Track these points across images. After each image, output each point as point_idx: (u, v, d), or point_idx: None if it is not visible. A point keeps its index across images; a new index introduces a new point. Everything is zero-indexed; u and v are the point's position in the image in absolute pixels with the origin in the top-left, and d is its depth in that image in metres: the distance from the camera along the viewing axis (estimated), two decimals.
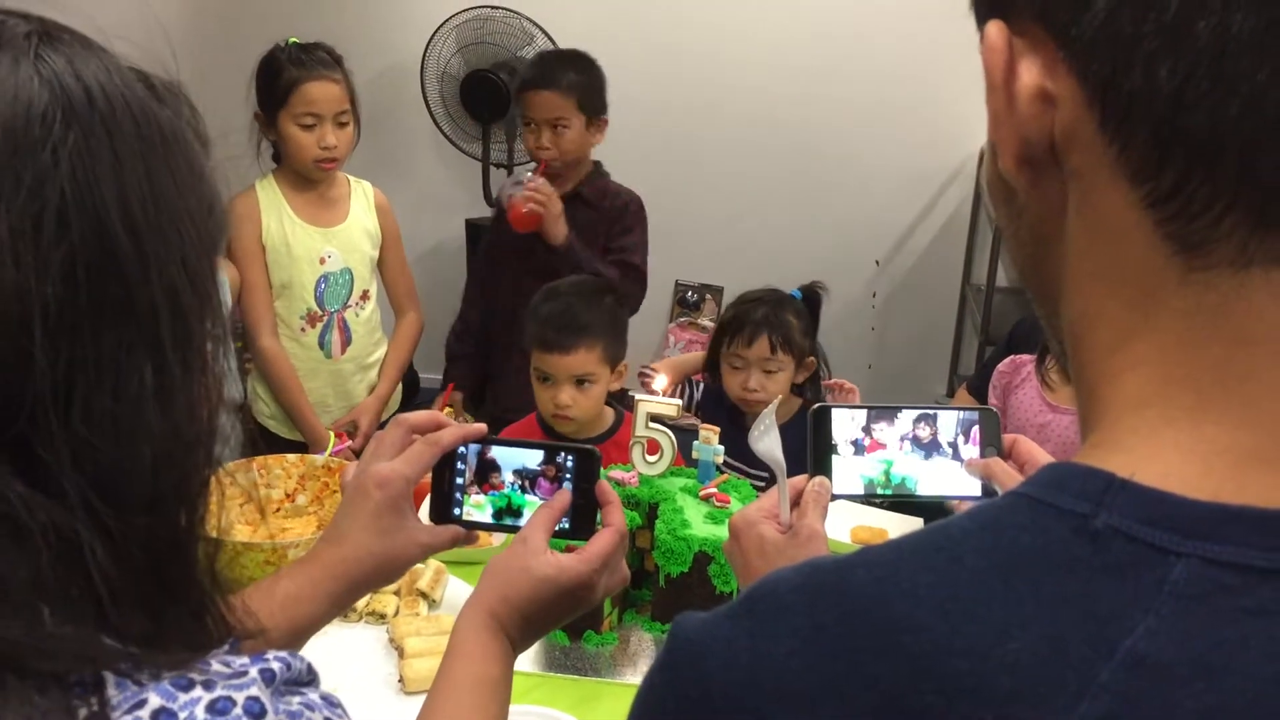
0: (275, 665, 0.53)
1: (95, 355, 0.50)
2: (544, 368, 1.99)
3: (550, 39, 3.35)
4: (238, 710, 0.50)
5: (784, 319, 2.12)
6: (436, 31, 3.41)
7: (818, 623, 0.41)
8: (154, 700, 0.48)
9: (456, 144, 3.56)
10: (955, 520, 0.42)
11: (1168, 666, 0.36)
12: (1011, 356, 2.28)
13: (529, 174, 2.41)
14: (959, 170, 3.56)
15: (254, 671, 0.52)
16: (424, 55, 3.43)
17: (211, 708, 0.49)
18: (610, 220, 2.50)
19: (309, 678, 0.56)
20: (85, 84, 0.52)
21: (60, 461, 0.49)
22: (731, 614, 0.44)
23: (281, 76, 2.14)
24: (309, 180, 2.26)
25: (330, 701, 0.55)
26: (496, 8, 3.36)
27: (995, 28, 0.43)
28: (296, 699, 0.53)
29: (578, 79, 2.45)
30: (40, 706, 0.46)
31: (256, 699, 0.51)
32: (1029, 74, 0.42)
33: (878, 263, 3.62)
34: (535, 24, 3.36)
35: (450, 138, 3.55)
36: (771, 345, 2.09)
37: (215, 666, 0.52)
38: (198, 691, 0.50)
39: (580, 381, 1.97)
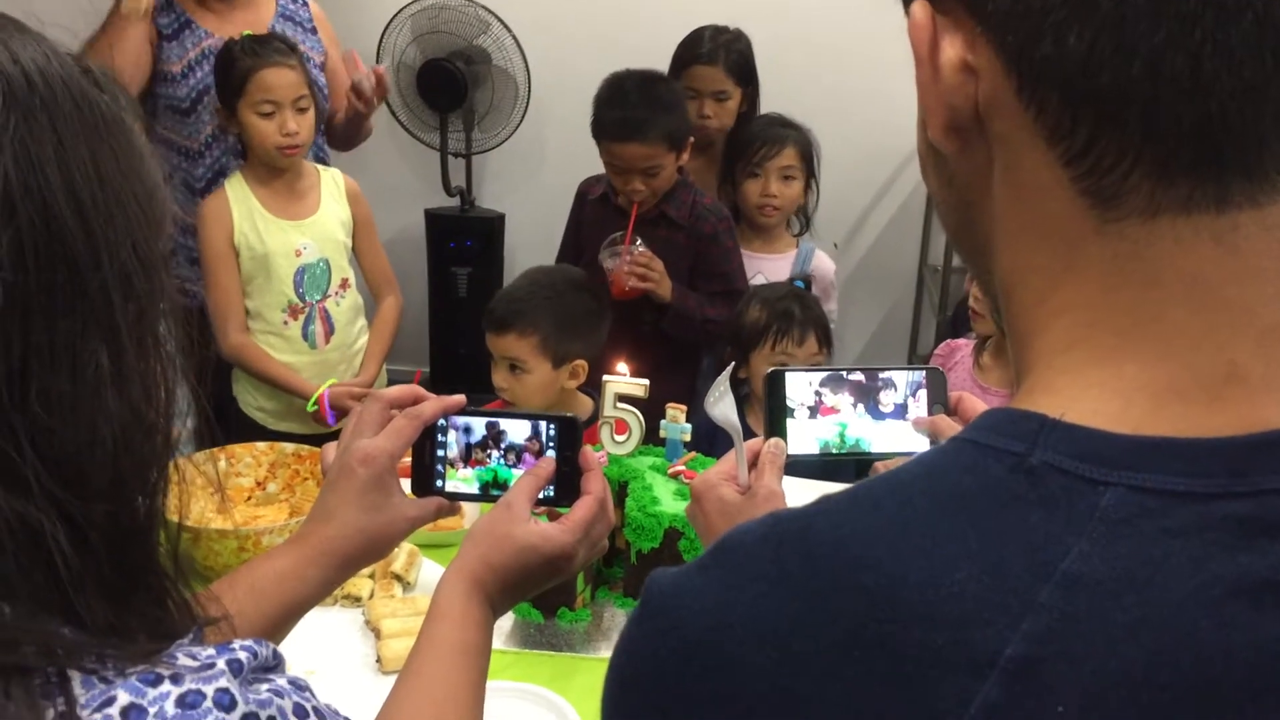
0: (242, 655, 0.53)
1: (49, 339, 0.50)
2: (488, 345, 1.97)
3: (506, 27, 3.36)
4: (208, 703, 0.50)
5: (819, 315, 2.11)
6: (391, 21, 3.40)
7: (783, 568, 0.44)
8: (123, 697, 0.48)
9: (414, 134, 3.55)
10: (905, 467, 0.46)
11: (1100, 584, 0.39)
12: (948, 340, 2.33)
13: (620, 240, 2.21)
14: (915, 152, 3.58)
15: (221, 663, 0.52)
16: (379, 45, 3.41)
17: (181, 702, 0.49)
18: (699, 242, 2.31)
19: (275, 662, 0.56)
20: (24, 68, 0.51)
21: (19, 448, 0.49)
22: (701, 566, 0.47)
23: (237, 66, 2.14)
24: (276, 171, 2.25)
25: (298, 685, 0.55)
26: None
27: (919, 7, 0.47)
28: (265, 686, 0.53)
29: (665, 120, 2.18)
30: (7, 709, 0.45)
31: (226, 690, 0.51)
32: (952, 48, 0.45)
33: (836, 245, 3.66)
34: (491, 12, 3.36)
35: (407, 128, 3.54)
36: (819, 342, 2.09)
37: (182, 659, 0.51)
38: (166, 686, 0.49)
39: (513, 367, 1.94)
